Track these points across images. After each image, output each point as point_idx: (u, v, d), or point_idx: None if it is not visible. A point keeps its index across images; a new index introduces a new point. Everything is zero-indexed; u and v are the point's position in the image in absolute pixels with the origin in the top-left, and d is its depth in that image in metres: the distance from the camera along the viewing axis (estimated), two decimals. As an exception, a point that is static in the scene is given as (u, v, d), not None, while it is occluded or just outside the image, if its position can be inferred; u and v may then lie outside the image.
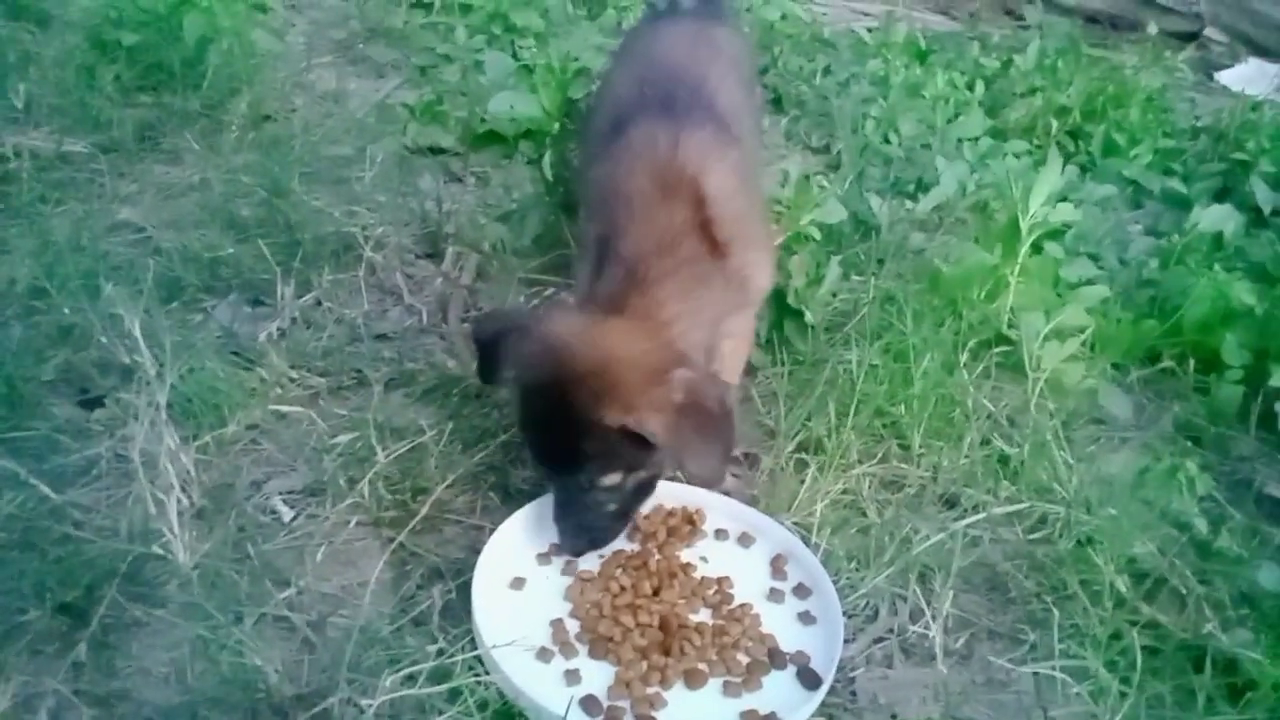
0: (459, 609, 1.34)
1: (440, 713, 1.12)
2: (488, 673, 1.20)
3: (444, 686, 1.14)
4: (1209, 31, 4.97)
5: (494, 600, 1.34)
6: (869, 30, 3.89)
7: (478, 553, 1.38)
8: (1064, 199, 2.47)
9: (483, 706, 1.14)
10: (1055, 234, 2.30)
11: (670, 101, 1.56)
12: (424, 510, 1.45)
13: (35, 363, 1.66)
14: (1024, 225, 1.77)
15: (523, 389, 1.38)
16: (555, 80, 2.08)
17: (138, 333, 1.43)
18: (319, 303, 1.95)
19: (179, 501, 1.27)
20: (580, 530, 1.40)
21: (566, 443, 1.34)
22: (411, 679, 1.14)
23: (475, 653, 1.21)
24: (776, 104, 3.20)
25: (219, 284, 1.96)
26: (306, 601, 1.32)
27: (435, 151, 2.59)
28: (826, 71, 3.40)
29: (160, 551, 1.25)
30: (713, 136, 1.54)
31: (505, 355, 1.39)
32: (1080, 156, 3.19)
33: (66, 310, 1.67)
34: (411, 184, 2.36)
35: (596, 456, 1.34)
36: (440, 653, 1.18)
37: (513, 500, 1.52)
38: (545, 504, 1.45)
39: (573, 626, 1.34)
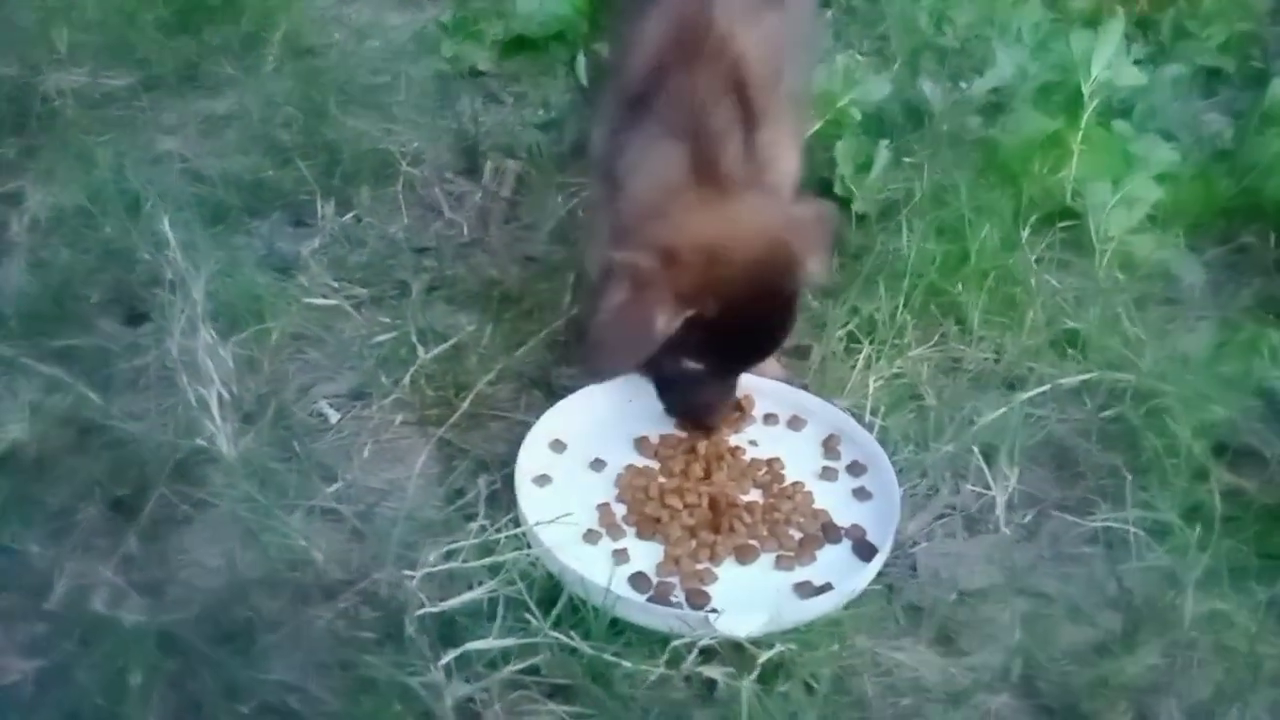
0: (505, 499, 1.32)
1: (482, 583, 1.11)
2: (528, 546, 1.18)
3: (486, 561, 1.12)
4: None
5: (538, 484, 1.33)
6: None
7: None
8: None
9: (525, 577, 1.11)
10: (1124, 112, 2.19)
11: None
12: (465, 405, 1.43)
13: (84, 284, 1.68)
14: (1086, 90, 1.66)
15: (745, 313, 1.26)
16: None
17: (174, 243, 1.43)
18: (359, 220, 1.93)
19: (220, 396, 1.27)
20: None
21: (789, 329, 1.34)
22: (454, 554, 1.12)
23: (518, 530, 1.19)
24: (826, 5, 3.09)
25: (261, 205, 1.95)
26: (354, 494, 1.32)
27: (474, 74, 2.56)
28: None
29: (204, 444, 1.25)
30: None
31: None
32: (1150, 46, 3.02)
33: (108, 229, 1.68)
34: (449, 104, 2.33)
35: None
36: (483, 530, 1.16)
37: (556, 396, 1.48)
38: (590, 394, 1.44)
39: (619, 510, 1.32)
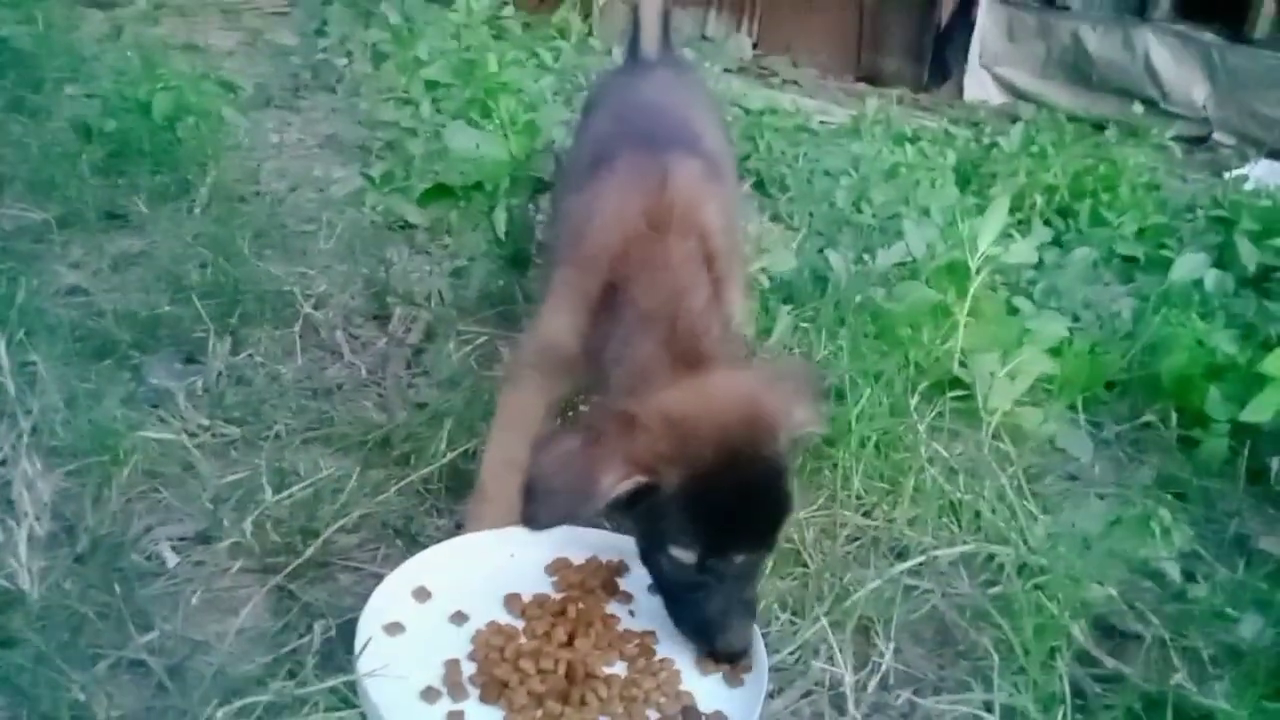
0: (340, 655, 1.22)
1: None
2: (350, 707, 1.07)
3: (283, 723, 1.01)
4: (1217, 135, 4.98)
5: (389, 633, 1.23)
6: (852, 117, 3.92)
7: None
8: (1040, 262, 2.42)
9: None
10: (1028, 291, 2.23)
11: (654, 136, 1.49)
12: (309, 553, 1.34)
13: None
14: (973, 263, 1.69)
15: (719, 485, 1.17)
16: (515, 133, 2.07)
17: (7, 369, 1.37)
18: (252, 359, 1.89)
19: (32, 530, 1.18)
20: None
21: (783, 503, 1.21)
22: (249, 711, 1.01)
23: (330, 683, 1.08)
24: (759, 187, 3.20)
25: (152, 342, 1.91)
26: (170, 646, 1.21)
27: (405, 227, 2.59)
28: (813, 160, 3.40)
29: (4, 583, 1.15)
30: (702, 170, 1.45)
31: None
32: (1069, 235, 3.13)
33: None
34: (369, 252, 2.34)
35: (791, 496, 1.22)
36: (291, 677, 1.06)
37: (419, 548, 1.40)
38: (466, 544, 1.37)
39: (469, 669, 1.22)
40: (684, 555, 1.20)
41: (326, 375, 1.91)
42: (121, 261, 2.23)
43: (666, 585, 1.27)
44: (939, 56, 5.71)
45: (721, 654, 1.23)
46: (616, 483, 1.16)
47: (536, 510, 1.23)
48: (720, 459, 1.16)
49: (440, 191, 2.09)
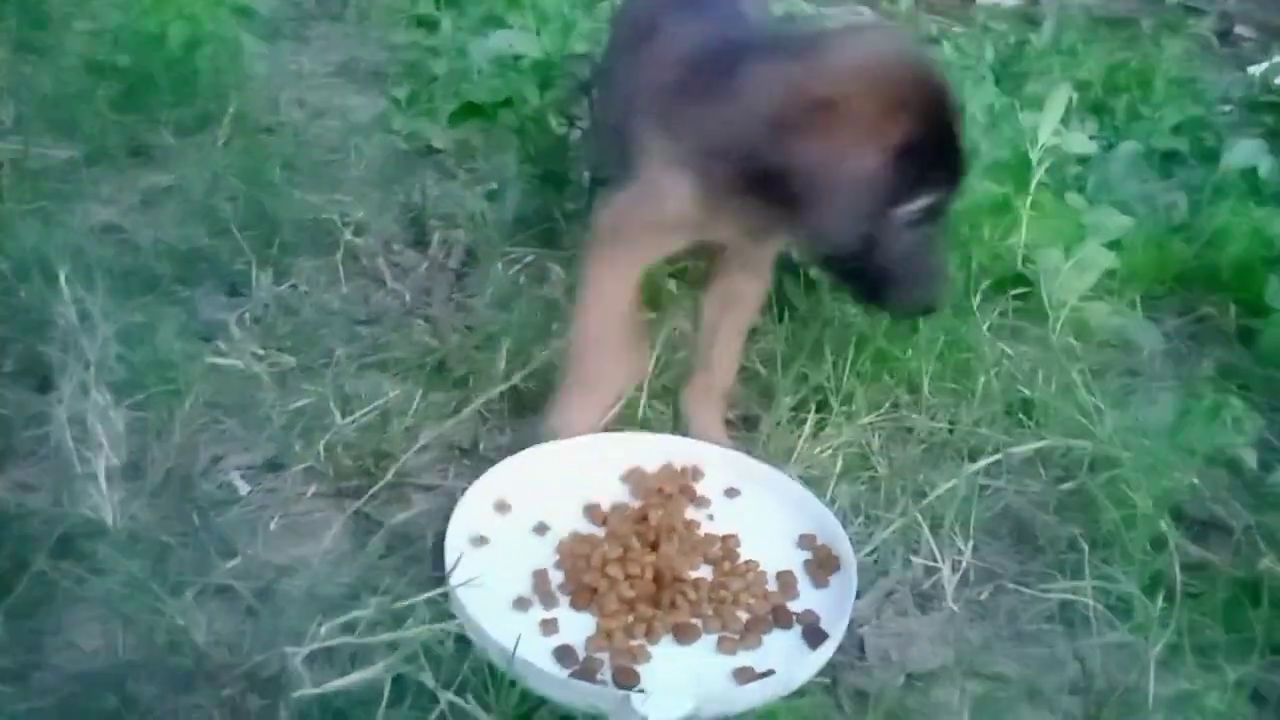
0: (424, 573, 1.22)
1: (376, 662, 1.00)
2: (451, 619, 1.08)
3: (386, 636, 1.01)
4: (1239, 29, 4.82)
5: (474, 545, 1.24)
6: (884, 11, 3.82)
7: (447, 520, 1.26)
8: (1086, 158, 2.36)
9: (430, 653, 1.01)
10: (1078, 186, 2.18)
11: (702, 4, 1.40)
12: (388, 476, 1.34)
13: (-1, 353, 1.59)
14: (1034, 155, 1.64)
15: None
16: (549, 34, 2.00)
17: (70, 303, 1.35)
18: (296, 289, 1.87)
19: (109, 461, 1.17)
20: None
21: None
22: (352, 628, 1.01)
23: (425, 595, 1.08)
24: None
25: (195, 275, 1.89)
26: (254, 571, 1.21)
27: (430, 151, 2.54)
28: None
29: (90, 514, 1.15)
30: None
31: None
32: (1106, 131, 3.05)
33: (23, 294, 1.60)
34: (400, 178, 2.30)
35: None
36: (392, 600, 1.06)
37: (489, 466, 1.40)
38: (540, 455, 1.37)
39: (557, 578, 1.23)
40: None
41: (372, 303, 1.89)
42: (152, 196, 2.19)
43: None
44: (949, -42, 5.52)
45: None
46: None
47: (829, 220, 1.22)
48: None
49: (470, 110, 2.03)
